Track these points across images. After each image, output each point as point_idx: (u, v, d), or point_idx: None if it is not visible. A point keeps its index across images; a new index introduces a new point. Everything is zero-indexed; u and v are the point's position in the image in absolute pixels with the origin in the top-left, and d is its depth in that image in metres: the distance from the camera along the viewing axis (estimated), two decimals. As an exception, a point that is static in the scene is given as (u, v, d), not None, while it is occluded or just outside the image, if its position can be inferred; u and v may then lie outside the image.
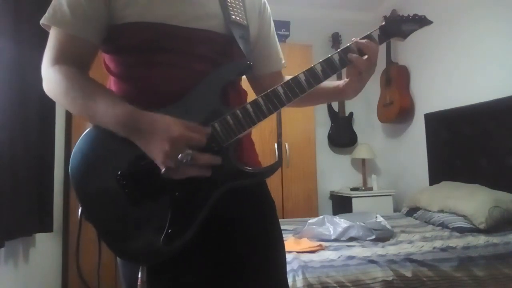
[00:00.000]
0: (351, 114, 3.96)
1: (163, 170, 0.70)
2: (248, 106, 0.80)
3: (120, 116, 0.73)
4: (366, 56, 0.87)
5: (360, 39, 0.89)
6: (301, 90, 0.84)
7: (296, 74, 0.84)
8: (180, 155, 0.69)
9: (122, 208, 0.75)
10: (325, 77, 0.86)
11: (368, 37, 0.90)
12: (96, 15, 0.79)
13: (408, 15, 0.95)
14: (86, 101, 0.76)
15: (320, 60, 0.86)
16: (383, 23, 0.92)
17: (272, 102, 0.81)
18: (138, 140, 0.73)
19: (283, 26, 3.63)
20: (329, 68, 0.86)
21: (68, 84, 0.77)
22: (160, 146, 0.70)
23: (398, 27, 0.93)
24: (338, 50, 0.88)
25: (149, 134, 0.71)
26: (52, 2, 0.81)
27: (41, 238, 2.20)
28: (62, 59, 0.80)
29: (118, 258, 0.82)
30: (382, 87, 3.73)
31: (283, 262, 0.94)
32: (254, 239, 0.90)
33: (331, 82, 0.97)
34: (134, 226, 0.76)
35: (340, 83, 0.96)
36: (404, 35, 0.94)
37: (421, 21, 0.96)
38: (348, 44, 0.88)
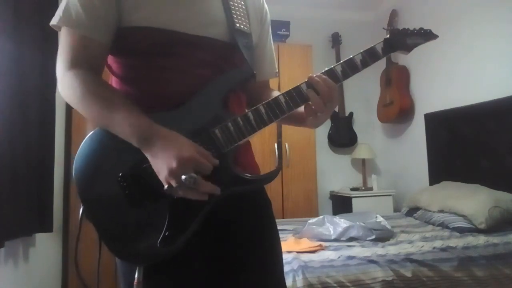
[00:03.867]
0: (351, 114, 3.96)
1: (165, 186, 0.71)
2: (249, 114, 0.81)
3: (135, 128, 0.73)
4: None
5: (355, 56, 0.86)
6: (302, 99, 0.84)
7: (297, 84, 0.85)
8: (184, 176, 0.69)
9: (122, 209, 0.76)
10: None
11: (366, 53, 0.87)
12: (108, 16, 0.80)
13: (414, 28, 0.94)
14: (103, 109, 0.76)
15: (324, 70, 0.86)
16: (388, 35, 0.92)
17: (273, 111, 0.82)
18: (149, 153, 0.73)
19: (283, 26, 3.63)
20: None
21: (85, 91, 0.77)
22: (167, 162, 0.70)
23: (403, 40, 0.93)
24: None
25: (160, 149, 0.72)
26: (64, 3, 0.80)
27: (41, 238, 2.20)
28: (78, 62, 0.79)
29: (116, 258, 0.82)
30: (382, 87, 3.74)
31: (280, 261, 0.95)
32: (251, 239, 0.90)
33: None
34: (133, 227, 0.76)
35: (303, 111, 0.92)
36: (409, 49, 0.94)
37: (426, 35, 0.95)
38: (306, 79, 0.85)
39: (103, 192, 0.77)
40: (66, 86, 0.79)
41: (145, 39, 0.80)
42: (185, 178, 0.68)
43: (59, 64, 0.81)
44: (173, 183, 0.70)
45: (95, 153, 0.79)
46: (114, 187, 0.76)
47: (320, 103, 0.83)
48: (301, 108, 0.91)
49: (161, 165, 0.71)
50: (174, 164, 0.69)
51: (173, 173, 0.69)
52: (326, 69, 0.86)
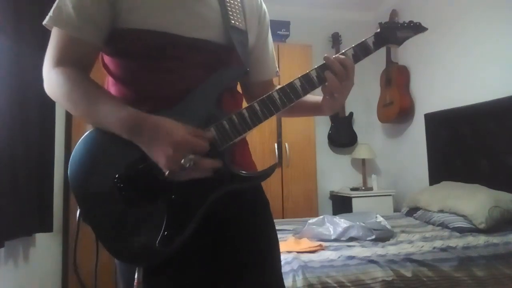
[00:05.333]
0: (351, 114, 3.96)
1: (166, 173, 0.72)
2: (244, 111, 0.81)
3: (124, 120, 0.73)
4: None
5: (346, 50, 0.88)
6: (296, 95, 0.85)
7: (291, 80, 0.85)
8: (183, 160, 0.70)
9: (119, 210, 0.76)
10: (320, 82, 0.86)
11: (357, 47, 0.89)
12: (100, 18, 0.80)
13: (404, 21, 0.95)
14: (89, 104, 0.77)
15: (315, 66, 0.87)
16: (378, 30, 0.93)
17: (268, 108, 0.82)
18: (142, 144, 0.74)
19: (283, 26, 3.63)
20: (318, 79, 0.86)
21: (70, 87, 0.77)
22: (163, 150, 0.71)
23: (393, 33, 0.93)
24: (315, 67, 0.87)
25: (152, 138, 0.72)
26: (56, 3, 0.80)
27: (41, 238, 2.20)
28: (65, 60, 0.80)
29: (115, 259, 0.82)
30: (382, 87, 3.74)
31: (278, 260, 0.96)
32: (249, 238, 0.91)
33: (314, 97, 0.97)
34: (131, 228, 0.76)
35: (319, 98, 0.95)
36: (399, 42, 0.95)
37: (416, 28, 0.96)
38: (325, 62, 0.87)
39: (99, 194, 0.77)
40: (52, 83, 0.79)
41: (141, 41, 0.81)
42: (184, 161, 0.70)
43: (46, 61, 0.81)
44: (175, 169, 0.71)
45: (89, 155, 0.79)
46: (111, 188, 0.76)
47: (336, 82, 0.85)
48: (314, 98, 0.96)
49: (158, 154, 0.72)
50: (170, 151, 0.70)
51: (172, 160, 0.70)
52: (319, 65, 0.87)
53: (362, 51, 0.89)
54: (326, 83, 0.86)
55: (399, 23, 0.94)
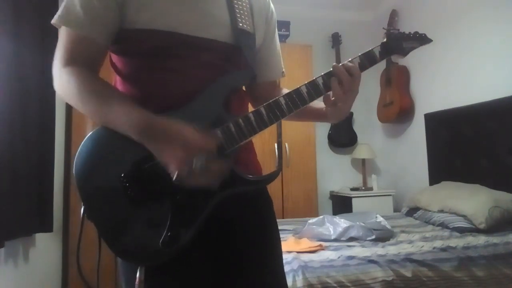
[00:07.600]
0: (351, 114, 3.96)
1: (175, 176, 0.71)
2: (250, 115, 0.82)
3: (135, 123, 0.73)
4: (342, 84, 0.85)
5: (353, 59, 0.88)
6: (303, 101, 0.85)
7: (298, 86, 0.85)
8: (194, 161, 0.70)
9: (124, 209, 0.76)
10: (326, 89, 0.86)
11: (364, 56, 0.89)
12: (108, 17, 0.80)
13: (409, 32, 0.96)
14: (100, 105, 0.77)
15: (322, 73, 0.87)
16: (385, 39, 0.93)
17: (274, 112, 0.83)
18: (152, 146, 0.74)
19: (283, 26, 3.63)
20: (324, 86, 0.86)
21: (81, 87, 0.77)
22: (173, 152, 0.71)
23: (399, 44, 0.94)
24: (322, 74, 0.87)
25: (163, 141, 0.72)
26: (64, 2, 0.81)
27: (41, 238, 2.20)
28: (74, 60, 0.80)
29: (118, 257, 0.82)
30: (382, 87, 3.74)
31: (281, 260, 0.96)
32: (253, 238, 0.91)
33: (320, 103, 0.96)
34: (135, 227, 0.76)
35: (324, 106, 0.95)
36: (405, 53, 0.95)
37: (421, 39, 0.97)
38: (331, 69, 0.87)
39: (105, 192, 0.77)
40: (62, 82, 0.80)
41: (149, 41, 0.81)
42: (195, 163, 0.70)
43: (55, 61, 0.81)
44: (185, 171, 0.71)
45: (96, 152, 0.79)
46: (116, 186, 0.76)
47: (339, 92, 0.85)
48: (320, 104, 0.95)
49: (168, 157, 0.72)
50: (180, 153, 0.70)
51: (182, 162, 0.70)
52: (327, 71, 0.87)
53: (368, 60, 0.90)
54: (330, 93, 0.86)
55: (405, 33, 0.95)
